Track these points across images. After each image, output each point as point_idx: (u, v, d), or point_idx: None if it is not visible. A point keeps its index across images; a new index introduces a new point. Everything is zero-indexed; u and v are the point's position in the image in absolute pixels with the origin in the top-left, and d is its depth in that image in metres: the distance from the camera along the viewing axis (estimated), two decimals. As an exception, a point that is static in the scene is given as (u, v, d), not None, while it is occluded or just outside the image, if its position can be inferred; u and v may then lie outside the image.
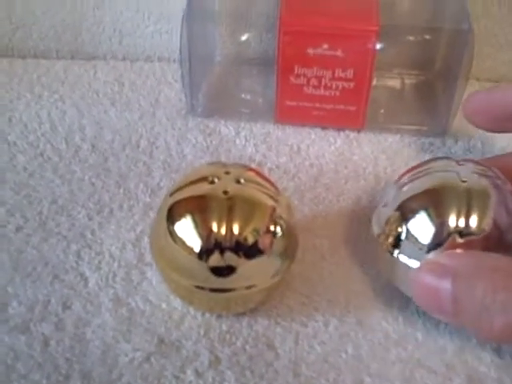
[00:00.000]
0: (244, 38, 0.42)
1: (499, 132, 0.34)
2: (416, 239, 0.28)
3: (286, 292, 0.31)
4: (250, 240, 0.27)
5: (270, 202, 0.28)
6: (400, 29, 0.39)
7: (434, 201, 0.28)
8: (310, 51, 0.36)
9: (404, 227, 0.28)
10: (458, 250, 0.26)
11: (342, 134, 0.40)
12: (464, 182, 0.28)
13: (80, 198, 0.36)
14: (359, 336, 0.29)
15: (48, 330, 0.29)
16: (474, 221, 0.27)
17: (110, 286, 0.31)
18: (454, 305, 0.25)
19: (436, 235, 0.27)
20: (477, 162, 0.30)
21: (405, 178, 0.30)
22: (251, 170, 0.29)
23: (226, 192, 0.27)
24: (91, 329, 0.29)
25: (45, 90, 0.43)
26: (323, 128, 0.40)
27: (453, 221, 0.27)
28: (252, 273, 0.28)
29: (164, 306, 0.30)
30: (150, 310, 0.30)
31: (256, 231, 0.27)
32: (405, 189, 0.29)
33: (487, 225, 0.27)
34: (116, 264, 0.32)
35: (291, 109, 0.39)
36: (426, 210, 0.28)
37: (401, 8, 0.39)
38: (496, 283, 0.24)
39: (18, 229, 0.34)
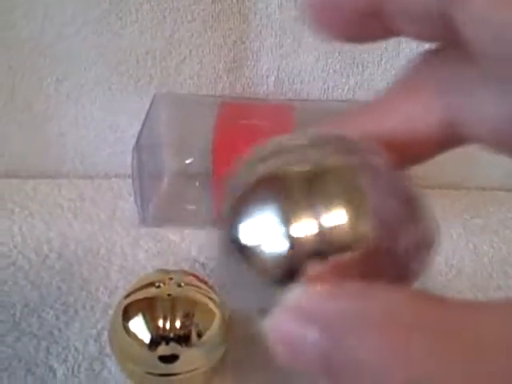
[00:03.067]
0: (188, 161, 0.50)
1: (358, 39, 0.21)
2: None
3: (226, 374, 0.37)
4: (190, 332, 0.34)
5: (206, 301, 0.35)
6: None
7: None
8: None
9: None
10: (327, 285, 0.16)
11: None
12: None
13: (48, 300, 0.42)
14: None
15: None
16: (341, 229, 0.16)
17: (75, 376, 0.37)
18: (324, 364, 0.16)
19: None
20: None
21: None
22: (190, 274, 0.37)
23: (169, 294, 0.34)
24: (60, 413, 0.35)
25: (16, 206, 0.50)
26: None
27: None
28: (193, 359, 0.34)
29: (122, 391, 0.36)
30: (110, 394, 0.36)
31: (195, 325, 0.34)
32: None
33: (366, 230, 0.16)
34: (80, 357, 0.38)
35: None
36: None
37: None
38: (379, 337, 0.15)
39: (-6, 328, 0.40)
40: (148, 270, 0.44)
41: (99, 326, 0.40)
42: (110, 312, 0.41)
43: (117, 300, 0.42)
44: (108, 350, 0.38)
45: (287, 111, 0.47)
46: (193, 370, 0.34)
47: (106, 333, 0.39)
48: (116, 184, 0.52)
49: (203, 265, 0.45)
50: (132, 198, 0.49)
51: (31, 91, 0.51)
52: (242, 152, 0.46)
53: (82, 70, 0.50)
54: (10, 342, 0.39)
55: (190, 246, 0.47)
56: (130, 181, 0.51)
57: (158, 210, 0.49)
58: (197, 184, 0.50)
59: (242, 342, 0.38)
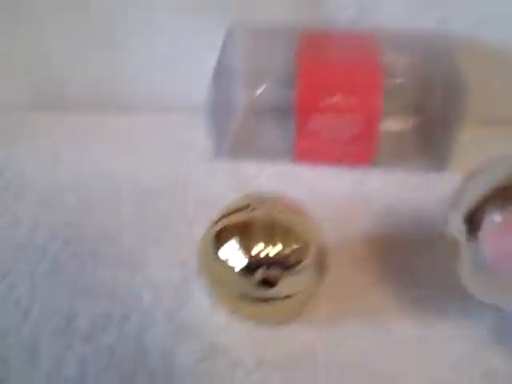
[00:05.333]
0: (260, 91, 0.48)
1: None
2: None
3: (320, 304, 0.36)
4: (288, 257, 0.32)
5: (304, 226, 0.33)
6: (400, 82, 0.46)
7: None
8: (325, 100, 0.41)
9: None
10: None
11: (353, 171, 0.45)
12: None
13: (126, 228, 0.41)
14: (391, 342, 0.34)
15: (112, 338, 0.33)
16: None
17: (161, 302, 0.36)
18: None
19: None
20: None
21: None
22: (283, 198, 0.35)
23: (265, 218, 0.33)
24: (150, 337, 0.34)
25: (87, 137, 0.48)
26: (336, 166, 0.45)
27: None
28: (291, 285, 0.33)
29: (210, 316, 0.35)
30: (199, 320, 0.35)
31: (293, 250, 0.32)
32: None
33: None
34: (165, 283, 0.37)
35: (308, 150, 0.44)
36: None
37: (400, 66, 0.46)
38: None
39: (74, 255, 0.39)
40: (225, 203, 0.43)
41: (182, 255, 0.39)
42: (190, 242, 0.40)
43: (196, 229, 0.40)
44: (193, 278, 0.37)
45: (372, 41, 0.45)
46: (289, 297, 0.33)
47: (188, 263, 0.38)
48: (188, 117, 0.49)
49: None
50: (205, 132, 0.47)
51: (101, 18, 0.49)
52: (327, 82, 0.43)
53: (154, -3, 0.48)
54: (91, 267, 0.38)
55: (267, 180, 0.45)
56: (202, 114, 0.50)
57: (232, 142, 0.47)
58: (273, 116, 0.48)
59: (335, 270, 0.37)
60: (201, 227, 0.40)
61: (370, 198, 0.43)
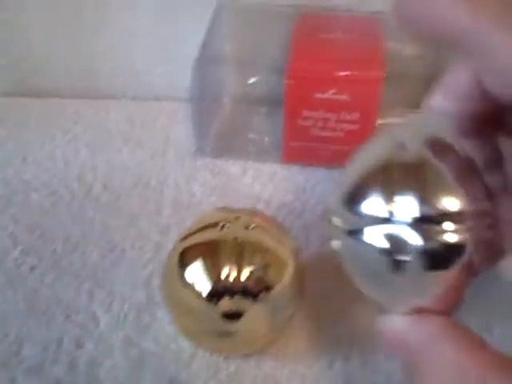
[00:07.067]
0: (252, 80, 0.43)
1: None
2: None
3: (293, 332, 0.31)
4: (259, 285, 0.28)
5: (279, 248, 0.29)
6: (403, 73, 0.40)
7: None
8: (318, 95, 0.37)
9: None
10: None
11: (347, 173, 0.41)
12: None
13: (92, 237, 0.37)
14: (363, 377, 0.30)
15: (61, 370, 0.30)
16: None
17: (120, 326, 0.32)
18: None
19: None
20: None
21: None
22: (258, 215, 0.30)
23: (235, 238, 0.28)
24: (104, 369, 0.30)
25: (59, 129, 0.44)
26: (328, 168, 0.41)
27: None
28: (259, 316, 0.28)
29: (173, 346, 0.31)
30: (160, 350, 0.31)
31: (265, 276, 0.28)
32: None
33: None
34: (127, 305, 0.33)
35: (297, 149, 0.40)
36: None
37: (405, 54, 0.41)
38: None
39: (33, 268, 0.35)
40: (204, 207, 0.39)
41: (149, 269, 0.35)
42: (162, 252, 0.36)
43: (168, 239, 0.36)
44: (158, 298, 0.33)
45: (374, 24, 0.39)
46: (258, 329, 0.29)
47: (156, 278, 0.34)
48: (170, 107, 0.45)
49: (267, 202, 0.39)
50: (187, 124, 0.43)
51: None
52: (322, 73, 0.37)
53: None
54: (50, 282, 0.34)
55: (252, 180, 0.40)
56: (185, 104, 0.45)
57: (217, 137, 0.43)
58: (261, 111, 0.43)
59: (315, 296, 0.33)
60: (174, 237, 0.36)
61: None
